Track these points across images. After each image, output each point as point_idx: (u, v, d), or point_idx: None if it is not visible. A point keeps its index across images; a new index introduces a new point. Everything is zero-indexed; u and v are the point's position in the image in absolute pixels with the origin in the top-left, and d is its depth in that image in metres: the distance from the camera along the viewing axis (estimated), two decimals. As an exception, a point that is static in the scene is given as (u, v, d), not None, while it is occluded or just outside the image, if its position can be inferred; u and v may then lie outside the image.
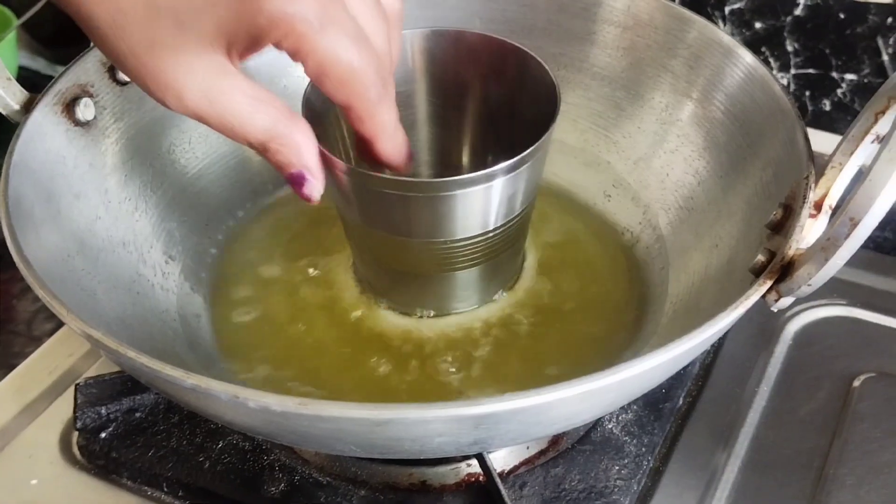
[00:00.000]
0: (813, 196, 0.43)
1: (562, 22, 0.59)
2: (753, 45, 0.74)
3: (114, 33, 0.36)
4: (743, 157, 0.50)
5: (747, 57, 0.51)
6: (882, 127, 0.41)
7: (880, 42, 0.69)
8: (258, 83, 0.38)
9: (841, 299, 0.58)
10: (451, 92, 0.51)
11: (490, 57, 0.49)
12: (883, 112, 0.41)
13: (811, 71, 0.73)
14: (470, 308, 0.51)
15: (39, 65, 0.88)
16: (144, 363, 0.36)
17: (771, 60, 0.74)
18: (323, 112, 0.46)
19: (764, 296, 0.40)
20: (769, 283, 0.40)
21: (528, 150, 0.43)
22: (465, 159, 0.53)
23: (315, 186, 0.40)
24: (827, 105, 0.74)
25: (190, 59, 0.36)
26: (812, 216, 0.42)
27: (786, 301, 0.41)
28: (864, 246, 0.37)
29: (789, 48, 0.73)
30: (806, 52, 0.73)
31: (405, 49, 0.50)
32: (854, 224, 0.36)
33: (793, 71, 0.74)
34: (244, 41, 0.36)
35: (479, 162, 0.52)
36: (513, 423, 0.36)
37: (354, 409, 0.34)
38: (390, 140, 0.41)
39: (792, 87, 0.75)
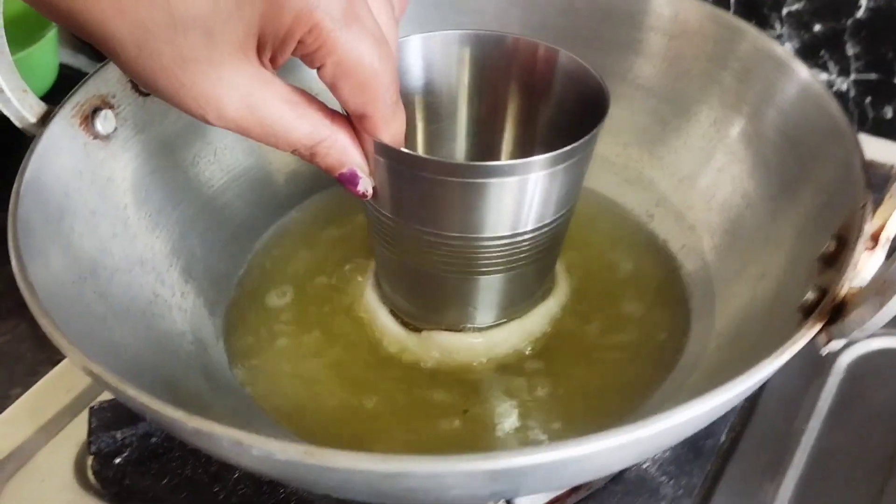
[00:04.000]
0: (869, 227, 0.39)
1: (605, 30, 0.56)
2: (812, 48, 0.72)
3: (140, 52, 0.34)
4: (795, 180, 0.47)
5: (803, 72, 0.48)
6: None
7: (945, 46, 0.66)
8: (296, 87, 0.37)
9: (897, 329, 0.54)
10: (495, 95, 0.50)
11: (534, 62, 0.48)
12: (949, 139, 0.38)
13: (873, 76, 0.71)
14: (490, 323, 0.49)
15: (81, 62, 0.88)
16: (145, 403, 0.34)
17: (830, 65, 0.72)
18: None
19: (814, 338, 0.37)
20: (819, 326, 0.37)
21: (568, 147, 0.42)
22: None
23: (368, 182, 0.41)
24: (889, 112, 0.73)
25: (226, 71, 0.35)
26: (868, 249, 0.39)
27: (837, 344, 0.38)
28: None
29: (850, 52, 0.72)
30: (867, 56, 0.71)
31: (449, 51, 0.49)
32: (916, 266, 0.33)
33: (853, 76, 0.72)
34: (273, 43, 0.35)
35: None
36: (533, 477, 0.34)
37: (362, 460, 0.32)
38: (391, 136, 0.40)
39: (852, 92, 0.72)
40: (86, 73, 0.83)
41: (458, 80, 0.50)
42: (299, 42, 0.35)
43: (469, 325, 0.49)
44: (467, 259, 0.45)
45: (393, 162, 0.42)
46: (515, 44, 0.48)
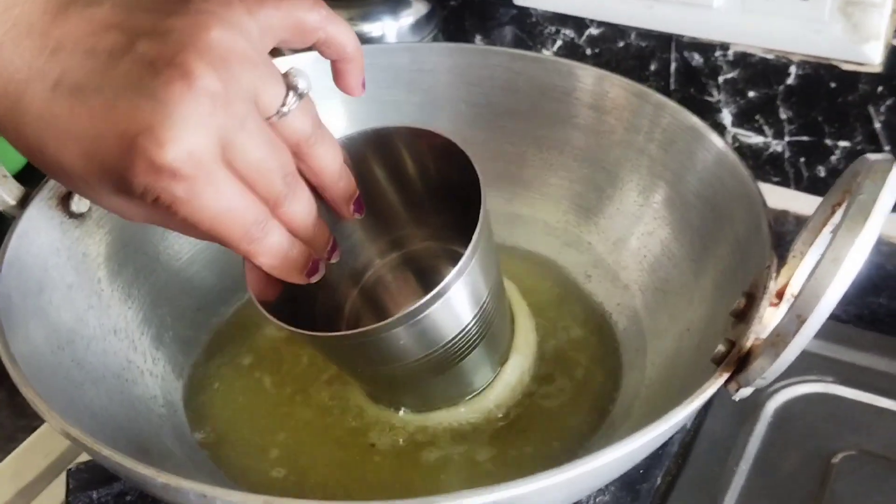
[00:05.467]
0: (774, 285, 0.43)
1: (544, 105, 0.60)
2: (748, 112, 0.75)
3: (37, 159, 0.39)
4: (714, 240, 0.51)
5: (718, 142, 0.52)
6: (839, 218, 0.42)
7: (871, 110, 0.70)
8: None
9: (823, 375, 0.58)
10: (397, 181, 0.51)
11: (415, 147, 0.49)
12: (839, 204, 0.42)
13: (805, 138, 0.74)
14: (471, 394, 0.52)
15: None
16: (119, 461, 0.38)
17: (766, 128, 0.75)
18: None
19: (725, 385, 0.41)
20: (726, 375, 0.41)
21: (466, 253, 0.43)
22: (417, 245, 0.54)
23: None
24: (822, 171, 0.75)
25: (109, 202, 0.40)
26: (773, 305, 0.43)
27: (746, 391, 0.41)
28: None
29: (783, 116, 0.74)
30: (799, 120, 0.74)
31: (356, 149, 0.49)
32: (801, 321, 0.37)
33: (787, 138, 0.75)
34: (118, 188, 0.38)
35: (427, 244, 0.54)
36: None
37: (314, 507, 0.35)
38: (281, 264, 0.42)
39: (787, 153, 0.75)
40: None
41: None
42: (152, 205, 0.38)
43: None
44: (424, 366, 0.46)
45: (298, 338, 0.44)
46: (379, 135, 0.49)
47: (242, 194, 0.39)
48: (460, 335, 0.46)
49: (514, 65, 0.60)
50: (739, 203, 0.49)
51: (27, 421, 0.61)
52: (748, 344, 0.41)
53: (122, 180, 0.37)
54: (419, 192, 0.51)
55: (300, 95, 0.40)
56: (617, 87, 0.57)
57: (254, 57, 0.38)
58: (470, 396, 0.52)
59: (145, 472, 0.37)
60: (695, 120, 0.54)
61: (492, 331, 0.49)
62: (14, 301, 0.46)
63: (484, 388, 0.52)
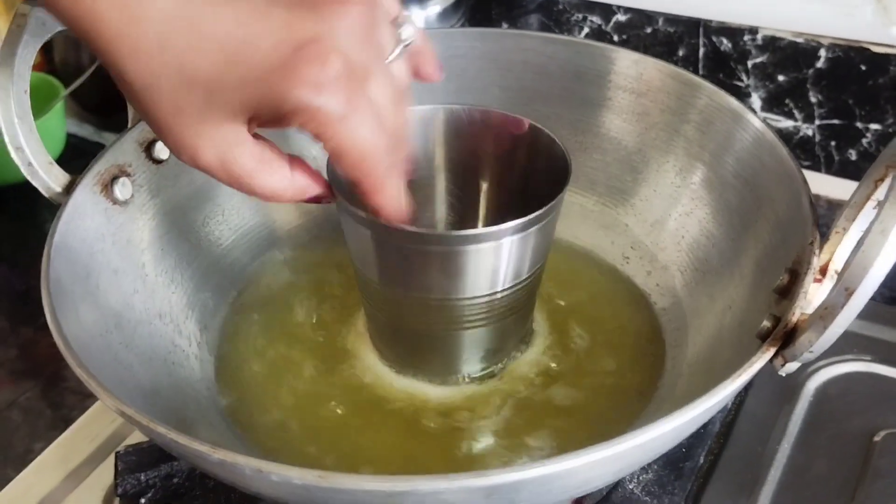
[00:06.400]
0: (818, 262, 0.43)
1: (577, 89, 0.60)
2: (778, 97, 0.75)
3: (146, 94, 0.37)
4: (754, 219, 0.51)
5: (755, 122, 0.52)
6: (882, 193, 0.42)
7: (902, 92, 0.70)
8: (267, 146, 0.40)
9: (862, 354, 0.58)
10: (468, 166, 0.53)
11: (503, 132, 0.52)
12: (881, 180, 0.42)
13: (836, 121, 0.74)
14: (477, 373, 0.52)
15: (87, 132, 0.92)
16: (174, 438, 0.38)
17: (795, 112, 0.75)
18: None
19: (771, 361, 0.41)
20: (773, 350, 0.41)
21: (537, 212, 0.45)
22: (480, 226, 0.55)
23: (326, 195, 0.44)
24: (853, 154, 0.75)
25: (210, 128, 0.38)
26: (817, 281, 0.43)
27: (792, 366, 0.41)
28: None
29: (813, 99, 0.74)
30: (830, 104, 0.74)
31: (427, 125, 0.52)
32: (849, 294, 0.37)
33: (817, 122, 0.75)
34: (266, 119, 0.38)
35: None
36: (525, 492, 0.37)
37: (369, 481, 0.36)
38: (393, 210, 0.43)
39: (818, 137, 0.75)
40: (91, 142, 0.89)
41: (434, 152, 0.53)
42: (300, 125, 0.37)
43: (454, 376, 0.52)
44: (449, 317, 0.49)
45: (377, 233, 0.46)
46: (485, 116, 0.52)
47: (381, 127, 0.39)
48: (526, 281, 0.48)
49: (547, 49, 0.61)
50: (779, 181, 0.49)
51: (66, 410, 0.62)
52: (794, 319, 0.41)
53: (269, 93, 0.36)
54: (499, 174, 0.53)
55: (406, 45, 0.41)
56: (652, 68, 0.58)
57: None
58: (501, 367, 0.53)
59: (201, 448, 0.37)
60: (732, 101, 0.54)
61: (531, 299, 0.51)
62: (64, 285, 0.47)
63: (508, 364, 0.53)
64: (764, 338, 0.42)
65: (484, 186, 0.54)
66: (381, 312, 0.52)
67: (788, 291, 0.44)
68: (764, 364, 0.41)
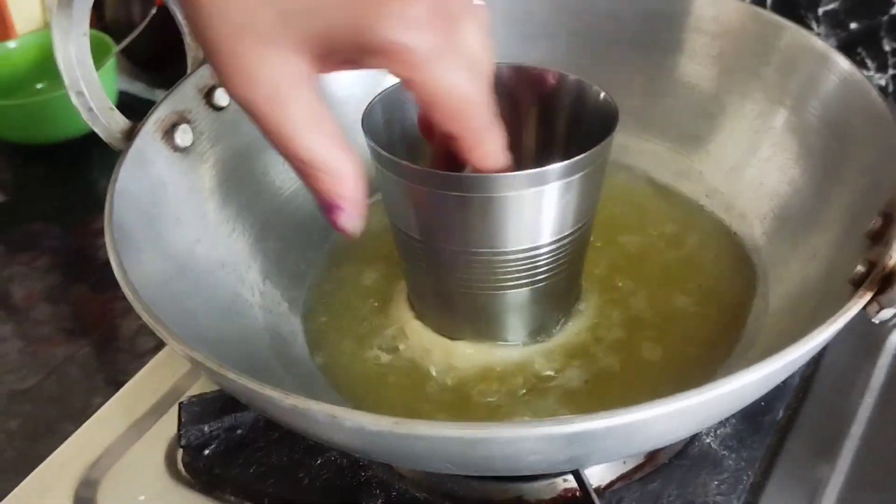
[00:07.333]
0: (914, 204, 0.41)
1: (648, 32, 0.58)
2: (849, 45, 0.73)
3: (212, 8, 0.34)
4: (839, 164, 0.49)
5: (842, 63, 0.50)
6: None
7: (983, 39, 0.67)
8: (324, 103, 0.36)
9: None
10: (513, 120, 0.48)
11: (546, 88, 0.49)
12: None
13: None
14: (524, 341, 0.50)
15: (138, 89, 0.91)
16: (246, 384, 0.37)
17: (867, 61, 0.73)
18: (388, 123, 0.47)
19: (864, 308, 0.39)
20: (869, 296, 0.39)
21: (581, 156, 0.43)
22: None
23: (356, 221, 0.38)
24: None
25: (271, 55, 0.34)
26: (913, 223, 0.41)
27: (888, 312, 0.39)
28: None
29: (886, 48, 0.72)
30: None
31: None
32: (957, 234, 0.35)
33: (890, 71, 0.73)
34: (343, 56, 0.35)
35: None
36: (606, 440, 0.36)
37: (447, 428, 0.34)
38: (495, 167, 0.40)
39: (891, 87, 0.73)
40: (143, 99, 0.88)
41: None
42: (386, 65, 0.34)
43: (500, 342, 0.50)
44: (490, 274, 0.46)
45: (415, 182, 0.43)
46: (529, 72, 0.49)
47: (478, 71, 0.36)
48: (571, 237, 0.46)
49: (618, -9, 0.59)
50: (869, 124, 0.47)
51: (122, 365, 0.62)
52: (891, 263, 0.39)
53: (351, 23, 0.33)
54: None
55: None
56: (729, 9, 0.55)
57: None
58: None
59: (273, 394, 0.36)
60: (817, 41, 0.52)
61: (578, 262, 0.49)
62: (127, 232, 0.46)
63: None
64: (858, 283, 0.40)
65: (528, 142, 0.50)
66: (419, 271, 0.49)
67: (882, 236, 0.42)
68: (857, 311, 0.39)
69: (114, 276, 0.42)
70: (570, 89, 0.48)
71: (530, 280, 0.47)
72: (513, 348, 0.50)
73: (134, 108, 0.52)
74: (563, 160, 0.43)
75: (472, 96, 0.36)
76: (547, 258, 0.46)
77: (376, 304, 0.54)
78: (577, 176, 0.43)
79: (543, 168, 0.42)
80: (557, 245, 0.46)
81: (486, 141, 0.39)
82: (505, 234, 0.44)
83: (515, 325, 0.49)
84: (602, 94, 0.47)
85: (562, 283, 0.49)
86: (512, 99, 0.49)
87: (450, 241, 0.46)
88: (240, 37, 0.34)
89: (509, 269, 0.46)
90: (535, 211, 0.44)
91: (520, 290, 0.47)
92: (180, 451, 0.52)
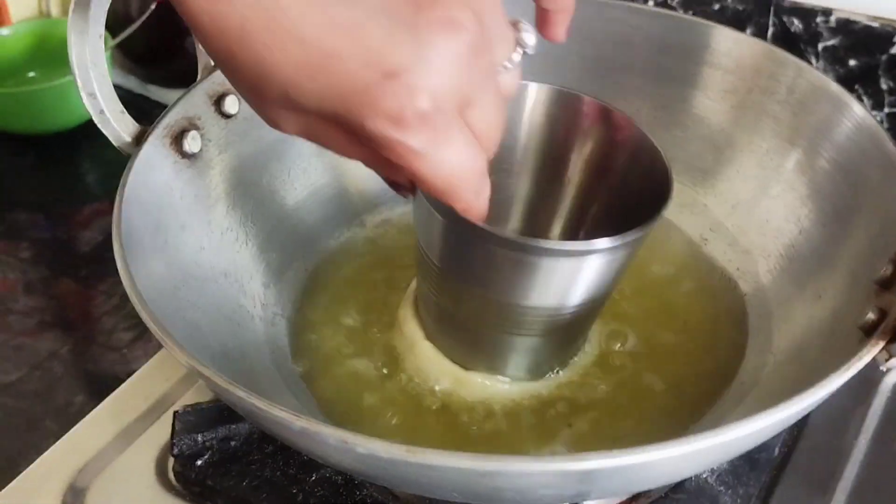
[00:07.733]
0: (925, 253, 0.42)
1: (661, 62, 0.59)
2: (847, 82, 0.73)
3: (226, 68, 0.35)
4: (849, 208, 0.49)
5: (857, 108, 0.50)
6: None
7: (979, 83, 0.68)
8: None
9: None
10: (554, 156, 0.49)
11: (604, 129, 0.47)
12: None
13: None
14: (525, 378, 0.50)
15: (132, 83, 0.90)
16: (254, 403, 0.36)
17: (865, 98, 0.73)
18: None
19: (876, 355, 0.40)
20: (882, 344, 0.39)
21: (629, 235, 0.40)
22: (556, 229, 0.51)
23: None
24: None
25: (289, 115, 0.35)
26: (924, 273, 0.42)
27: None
28: None
29: (884, 86, 0.72)
30: None
31: (523, 102, 0.48)
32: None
33: (886, 109, 0.73)
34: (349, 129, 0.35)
35: (570, 236, 0.50)
36: (617, 478, 0.36)
37: (462, 459, 0.34)
38: (477, 216, 0.39)
39: (885, 125, 0.73)
40: (136, 94, 0.87)
41: (525, 135, 0.49)
42: (379, 151, 0.34)
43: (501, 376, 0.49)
44: (505, 320, 0.45)
45: (447, 220, 0.41)
46: (590, 106, 0.47)
47: (477, 151, 0.36)
48: (606, 296, 0.45)
49: (632, 19, 0.59)
50: (882, 172, 0.47)
51: (107, 364, 0.61)
52: (903, 312, 0.40)
53: (348, 114, 0.33)
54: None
55: (525, 53, 0.37)
56: (742, 45, 0.56)
57: (500, 6, 0.35)
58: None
59: (281, 414, 0.36)
60: (832, 85, 0.52)
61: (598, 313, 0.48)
62: (135, 238, 0.45)
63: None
64: (870, 331, 0.40)
65: (572, 185, 0.49)
66: (433, 295, 0.47)
67: (893, 283, 0.42)
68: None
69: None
70: (633, 138, 0.46)
71: (545, 331, 0.45)
72: (515, 383, 0.49)
73: (127, 103, 0.51)
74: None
75: (459, 179, 0.36)
76: (569, 317, 0.45)
77: (382, 320, 0.53)
78: (620, 253, 0.41)
79: (585, 243, 0.41)
80: (581, 307, 0.44)
81: (474, 206, 0.38)
82: (530, 292, 0.42)
83: (519, 363, 0.49)
84: (662, 155, 0.44)
85: (576, 333, 0.49)
86: (563, 130, 0.47)
87: (470, 281, 0.44)
88: (254, 97, 0.35)
89: (526, 321, 0.44)
90: (568, 279, 0.42)
91: (532, 337, 0.46)
92: (171, 460, 0.52)
